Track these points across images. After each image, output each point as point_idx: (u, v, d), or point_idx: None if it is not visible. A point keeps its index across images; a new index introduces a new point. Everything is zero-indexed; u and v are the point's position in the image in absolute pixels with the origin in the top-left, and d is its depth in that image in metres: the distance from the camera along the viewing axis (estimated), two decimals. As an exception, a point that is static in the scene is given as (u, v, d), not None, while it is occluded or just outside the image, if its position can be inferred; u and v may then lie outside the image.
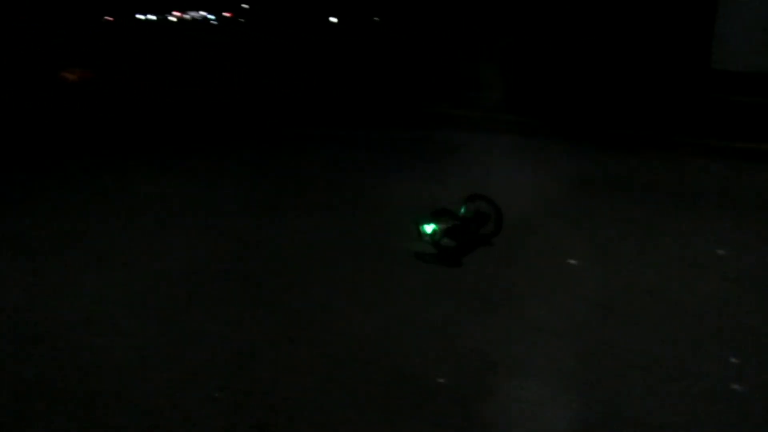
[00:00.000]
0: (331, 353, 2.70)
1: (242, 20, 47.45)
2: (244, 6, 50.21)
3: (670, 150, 7.57)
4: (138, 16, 52.18)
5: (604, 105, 9.30)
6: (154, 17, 53.55)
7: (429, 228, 4.01)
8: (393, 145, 7.28)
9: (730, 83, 9.27)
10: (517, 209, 4.74)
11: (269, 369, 2.58)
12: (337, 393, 2.42)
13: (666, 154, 7.39)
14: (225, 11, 52.30)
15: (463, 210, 4.15)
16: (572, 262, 3.80)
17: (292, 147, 7.12)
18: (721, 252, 4.10)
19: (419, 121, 8.68)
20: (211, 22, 51.38)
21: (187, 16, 56.26)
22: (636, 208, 5.08)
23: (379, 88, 10.52)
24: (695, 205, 5.24)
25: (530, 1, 10.73)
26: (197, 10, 56.60)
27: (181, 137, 7.70)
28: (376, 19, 19.43)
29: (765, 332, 2.98)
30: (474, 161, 6.52)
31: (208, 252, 3.85)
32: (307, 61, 14.40)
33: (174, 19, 54.32)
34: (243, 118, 9.10)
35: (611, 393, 2.46)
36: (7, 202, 4.92)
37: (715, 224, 4.71)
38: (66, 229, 4.25)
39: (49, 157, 6.47)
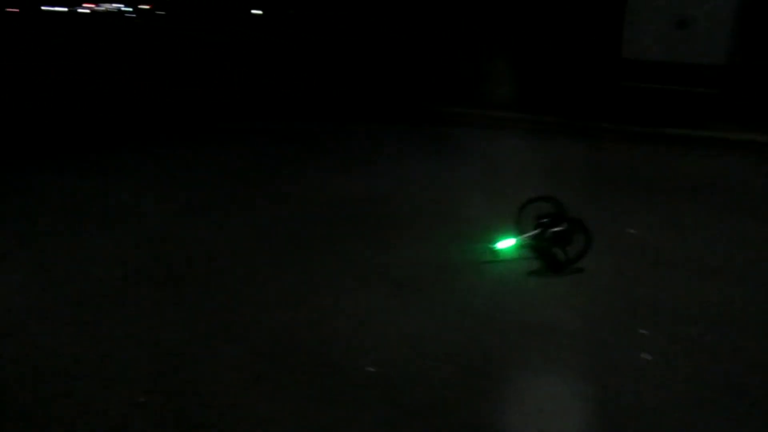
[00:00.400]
0: (260, 348, 2.69)
1: (161, 12, 45.65)
2: (164, -4, 48.25)
3: (588, 136, 7.93)
4: (44, 8, 49.16)
5: (528, 95, 9.63)
6: (63, 9, 50.64)
7: (504, 244, 3.78)
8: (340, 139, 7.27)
9: (639, 72, 9.79)
10: (437, 193, 4.85)
11: (197, 369, 2.54)
12: (266, 387, 2.41)
13: (584, 139, 7.74)
14: (142, 3, 50.17)
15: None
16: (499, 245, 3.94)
17: (234, 141, 6.98)
18: (632, 231, 4.35)
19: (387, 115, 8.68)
20: (127, 14, 49.15)
21: (100, 8, 53.60)
22: (559, 191, 5.30)
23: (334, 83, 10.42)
24: (609, 186, 5.53)
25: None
26: (111, 2, 54.04)
27: (96, 133, 7.36)
28: (291, 12, 19.18)
29: (670, 304, 3.20)
30: (398, 153, 6.61)
31: (130, 253, 3.73)
32: (250, 55, 14.03)
33: (86, 11, 51.59)
34: (175, 112, 8.80)
35: (530, 366, 2.57)
36: None
37: (628, 205, 4.99)
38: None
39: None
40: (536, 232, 3.70)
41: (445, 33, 10.88)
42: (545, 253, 3.65)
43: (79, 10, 51.78)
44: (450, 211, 4.65)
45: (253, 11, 28.93)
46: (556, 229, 3.64)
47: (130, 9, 51.32)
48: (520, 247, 3.77)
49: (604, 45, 10.10)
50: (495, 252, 3.84)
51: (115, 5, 53.56)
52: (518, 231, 3.84)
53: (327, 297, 3.19)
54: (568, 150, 7.17)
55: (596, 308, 3.14)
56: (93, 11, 52.46)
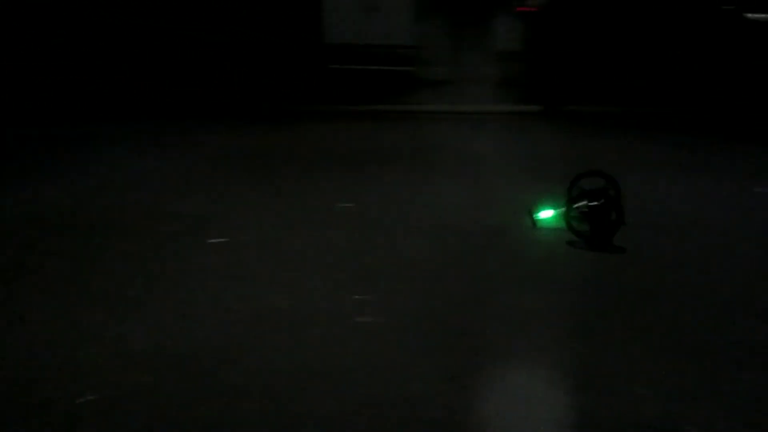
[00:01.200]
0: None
1: None
2: None
3: (300, 119, 8.24)
4: None
5: (243, 85, 9.59)
6: None
7: (545, 214, 3.86)
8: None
9: (340, 55, 10.46)
10: (144, 192, 4.58)
11: None
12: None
13: (296, 123, 8.01)
14: None
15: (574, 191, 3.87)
16: (213, 241, 3.85)
17: None
18: (349, 205, 4.65)
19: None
20: None
21: None
22: (270, 176, 5.43)
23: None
24: (319, 165, 5.84)
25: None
26: None
27: None
28: None
29: (383, 270, 3.44)
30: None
31: None
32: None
33: None
34: None
35: (253, 355, 2.56)
36: None
37: (339, 181, 5.32)
38: None
39: None
40: (569, 205, 3.78)
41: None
42: (572, 226, 3.75)
43: None
44: (163, 209, 4.42)
45: None
46: (591, 203, 3.68)
47: None
48: (558, 218, 3.87)
49: (308, 31, 10.54)
50: (536, 221, 3.92)
51: None
52: (565, 203, 3.87)
53: (31, 325, 2.76)
54: (280, 134, 7.36)
55: (311, 283, 3.24)
56: None
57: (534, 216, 4.01)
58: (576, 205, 3.76)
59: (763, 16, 11.33)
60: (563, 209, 3.87)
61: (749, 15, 11.37)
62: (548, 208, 4.00)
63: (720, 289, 3.21)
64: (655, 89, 10.63)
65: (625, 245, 3.72)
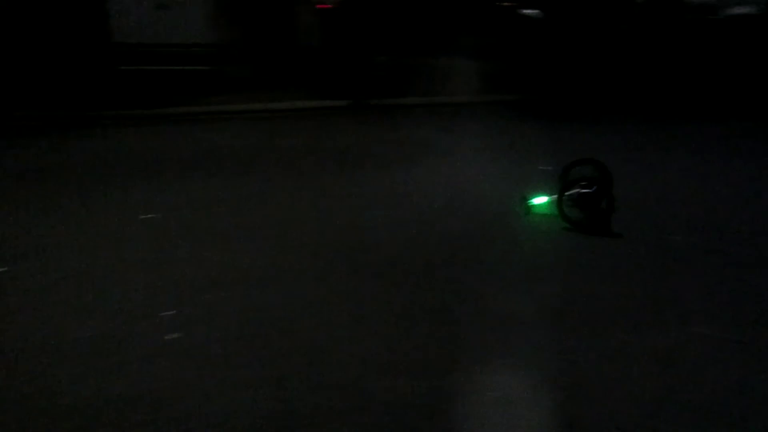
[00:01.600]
0: None
1: None
2: None
3: (88, 126, 7.53)
4: None
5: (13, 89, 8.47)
6: None
7: (539, 200, 3.90)
8: None
9: (131, 55, 9.72)
10: None
11: None
12: None
13: (84, 130, 7.32)
14: None
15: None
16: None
17: None
18: (151, 216, 4.30)
19: None
20: None
21: None
22: (55, 193, 4.89)
23: None
24: (117, 175, 5.37)
25: None
26: None
27: None
28: None
29: (192, 283, 3.23)
30: None
31: None
32: None
33: None
34: None
35: (69, 391, 2.28)
36: None
37: (138, 191, 4.93)
38: None
39: None
40: (559, 193, 3.78)
41: None
42: (564, 214, 3.76)
43: None
44: None
45: None
46: (582, 191, 3.70)
47: None
48: (551, 205, 3.89)
49: (94, 30, 9.65)
50: (528, 207, 3.96)
51: None
52: (557, 190, 3.85)
53: None
54: (65, 144, 6.67)
55: (114, 305, 2.97)
56: None
57: (528, 202, 4.03)
58: (567, 193, 3.82)
59: (534, 11, 12.73)
60: (556, 197, 3.91)
61: (524, 11, 12.69)
62: (541, 195, 4.01)
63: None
64: (452, 81, 11.42)
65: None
